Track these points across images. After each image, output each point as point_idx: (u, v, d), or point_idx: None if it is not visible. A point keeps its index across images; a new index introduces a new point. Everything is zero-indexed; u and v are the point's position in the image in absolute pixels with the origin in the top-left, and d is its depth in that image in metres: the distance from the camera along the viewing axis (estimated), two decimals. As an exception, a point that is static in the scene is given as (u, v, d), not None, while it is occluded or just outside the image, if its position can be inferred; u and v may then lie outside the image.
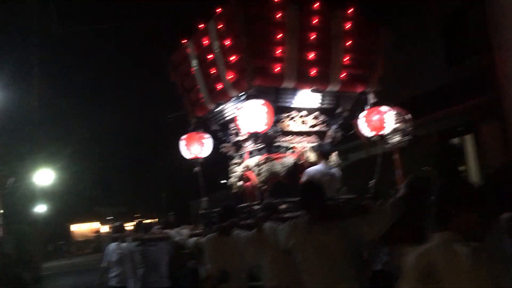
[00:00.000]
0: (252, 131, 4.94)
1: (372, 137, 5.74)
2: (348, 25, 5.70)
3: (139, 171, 25.74)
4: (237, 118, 5.00)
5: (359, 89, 5.94)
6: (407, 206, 2.95)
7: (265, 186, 5.35)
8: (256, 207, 5.15)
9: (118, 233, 7.10)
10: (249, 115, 4.87)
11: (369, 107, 5.77)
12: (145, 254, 5.89)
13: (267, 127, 5.01)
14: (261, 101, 4.92)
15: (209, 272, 4.22)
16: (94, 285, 7.72)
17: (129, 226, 12.69)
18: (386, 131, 5.69)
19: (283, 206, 4.89)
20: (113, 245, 7.40)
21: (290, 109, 5.68)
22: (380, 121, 5.64)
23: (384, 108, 5.70)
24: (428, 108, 8.86)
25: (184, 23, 6.44)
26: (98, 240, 21.55)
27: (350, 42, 5.72)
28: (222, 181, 6.51)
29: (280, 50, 5.26)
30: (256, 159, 5.59)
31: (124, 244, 6.53)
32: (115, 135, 21.59)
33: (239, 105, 5.12)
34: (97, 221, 37.90)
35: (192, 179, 6.60)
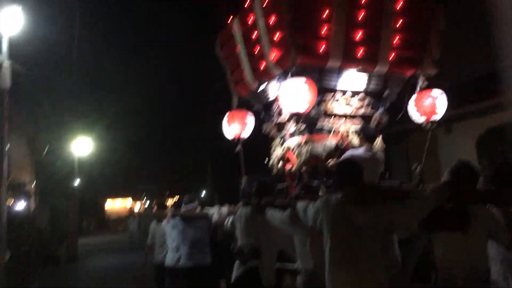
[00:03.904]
0: (294, 111, 5.33)
1: (422, 123, 6.01)
2: (400, 3, 5.96)
3: (181, 147, 26.53)
4: (279, 97, 5.40)
5: (409, 72, 6.22)
6: (451, 192, 3.12)
7: (305, 168, 5.74)
8: (295, 188, 5.60)
9: (160, 210, 7.67)
10: (291, 94, 5.29)
11: (419, 90, 6.03)
12: (186, 231, 6.40)
13: (310, 107, 5.40)
14: (303, 79, 5.30)
15: (240, 247, 4.63)
16: (140, 263, 8.47)
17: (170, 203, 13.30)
18: (437, 117, 5.94)
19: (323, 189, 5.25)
20: (155, 223, 8.06)
21: (335, 90, 6.06)
22: (431, 106, 5.90)
23: (436, 92, 5.94)
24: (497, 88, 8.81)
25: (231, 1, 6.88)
26: (132, 218, 22.58)
27: (402, 21, 5.99)
28: (265, 162, 6.94)
29: (326, 28, 5.63)
30: (297, 139, 6.01)
31: (165, 221, 7.10)
32: (158, 108, 22.30)
33: (282, 83, 5.50)
34: (133, 197, 39.58)
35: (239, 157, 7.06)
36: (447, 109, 6.15)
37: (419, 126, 6.01)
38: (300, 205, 3.58)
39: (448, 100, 6.32)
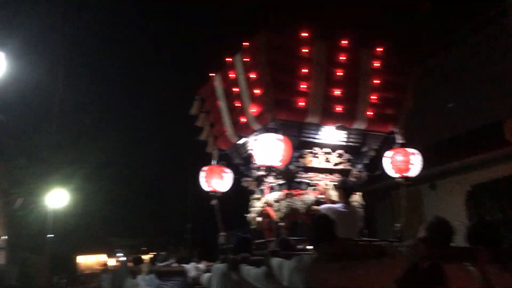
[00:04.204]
0: (267, 164, 5.46)
1: (396, 178, 6.17)
2: (377, 63, 6.28)
3: (160, 202, 26.31)
4: (253, 149, 5.54)
5: (387, 128, 6.45)
6: (427, 249, 3.10)
7: (284, 223, 5.80)
8: (272, 243, 5.62)
9: (136, 266, 7.59)
10: (265, 148, 5.44)
11: (395, 147, 6.21)
12: (161, 288, 6.33)
13: (282, 164, 5.56)
14: (279, 136, 5.48)
15: None
16: None
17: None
18: (411, 173, 6.11)
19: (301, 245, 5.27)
20: (130, 279, 7.95)
21: (314, 145, 6.24)
22: (405, 163, 6.07)
23: (411, 149, 6.14)
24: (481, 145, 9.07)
25: (213, 57, 7.17)
26: (106, 273, 22.01)
27: (379, 80, 6.29)
28: (244, 217, 7.01)
29: (305, 85, 5.88)
30: (276, 194, 6.10)
31: (140, 277, 7.01)
32: (137, 162, 22.24)
33: (257, 137, 5.69)
34: (107, 252, 38.58)
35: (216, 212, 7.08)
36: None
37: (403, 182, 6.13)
38: (275, 262, 3.53)
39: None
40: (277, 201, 6.02)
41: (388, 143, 6.43)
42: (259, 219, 6.53)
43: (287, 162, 5.62)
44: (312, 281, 3.04)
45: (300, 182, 6.11)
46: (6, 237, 17.34)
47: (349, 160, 6.42)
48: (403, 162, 6.05)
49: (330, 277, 3.00)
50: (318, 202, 6.01)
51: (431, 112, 10.04)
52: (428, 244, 3.15)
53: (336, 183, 6.17)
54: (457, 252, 3.37)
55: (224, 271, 4.61)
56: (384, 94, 6.35)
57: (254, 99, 5.99)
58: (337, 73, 6.04)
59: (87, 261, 39.86)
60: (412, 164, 6.06)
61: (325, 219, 3.49)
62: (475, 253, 3.30)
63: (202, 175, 6.81)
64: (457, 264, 3.22)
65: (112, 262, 36.80)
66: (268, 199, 6.26)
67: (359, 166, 6.47)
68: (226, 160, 7.06)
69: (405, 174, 6.07)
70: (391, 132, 6.42)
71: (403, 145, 6.19)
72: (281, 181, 6.15)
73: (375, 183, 8.57)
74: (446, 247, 3.28)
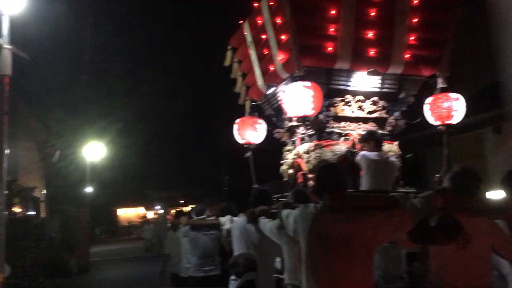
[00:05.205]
0: (300, 114, 5.48)
1: (437, 126, 6.08)
2: (415, 1, 6.02)
3: (197, 153, 26.79)
4: (283, 101, 5.55)
5: (426, 72, 6.26)
6: (444, 200, 2.99)
7: (312, 175, 5.85)
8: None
9: (176, 219, 7.93)
10: (294, 98, 5.43)
11: (436, 92, 6.08)
12: (196, 241, 6.61)
13: (315, 112, 5.53)
14: (307, 83, 5.43)
15: (235, 259, 4.55)
16: (157, 274, 8.78)
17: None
18: (454, 120, 6.00)
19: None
20: (171, 232, 8.34)
21: (345, 93, 6.15)
22: (448, 110, 5.95)
23: (453, 94, 5.99)
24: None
25: (241, 2, 7.10)
26: (147, 225, 23.02)
27: (417, 19, 6.06)
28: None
29: (333, 28, 5.73)
30: (307, 145, 6.13)
31: (179, 231, 7.34)
32: (174, 113, 22.56)
33: (285, 87, 5.66)
34: (145, 205, 40.09)
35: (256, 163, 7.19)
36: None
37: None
38: (285, 212, 3.49)
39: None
40: (307, 152, 6.05)
41: (429, 88, 6.29)
42: (291, 171, 6.63)
43: (319, 109, 5.60)
44: (314, 230, 3.02)
45: (331, 133, 6.09)
46: (46, 190, 18.23)
47: (384, 108, 6.31)
48: (445, 109, 5.92)
49: (332, 228, 2.95)
50: (350, 153, 6.03)
51: (495, 48, 9.56)
52: (446, 195, 3.06)
53: (360, 137, 6.07)
54: (482, 204, 3.26)
55: (243, 225, 4.77)
56: (424, 34, 6.12)
57: (281, 45, 5.91)
58: (369, 13, 5.85)
59: (126, 213, 41.82)
60: (455, 110, 5.93)
61: (330, 169, 3.38)
62: (504, 206, 3.24)
63: (235, 128, 6.91)
64: (480, 217, 3.14)
65: (150, 214, 38.49)
66: (298, 151, 6.32)
67: (396, 113, 6.36)
68: (258, 111, 7.12)
69: (447, 122, 5.96)
70: (432, 76, 6.26)
71: (445, 90, 6.05)
72: (311, 132, 6.17)
73: (426, 129, 8.42)
74: (468, 199, 3.17)
